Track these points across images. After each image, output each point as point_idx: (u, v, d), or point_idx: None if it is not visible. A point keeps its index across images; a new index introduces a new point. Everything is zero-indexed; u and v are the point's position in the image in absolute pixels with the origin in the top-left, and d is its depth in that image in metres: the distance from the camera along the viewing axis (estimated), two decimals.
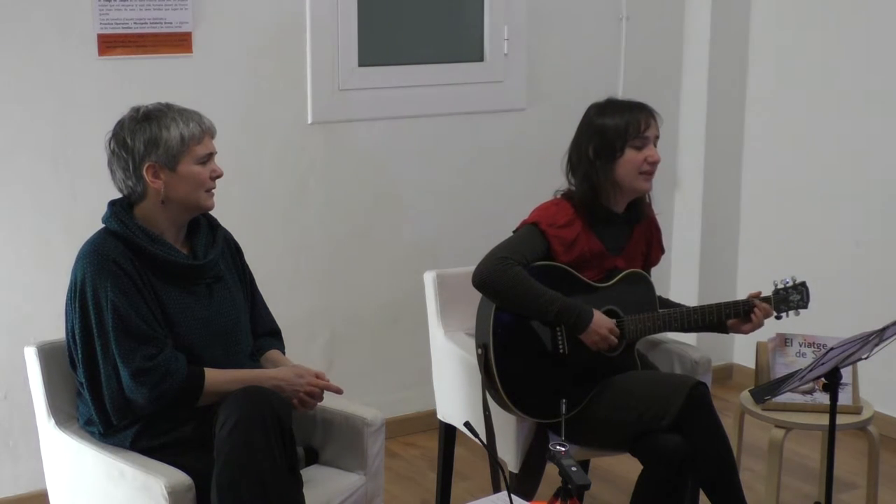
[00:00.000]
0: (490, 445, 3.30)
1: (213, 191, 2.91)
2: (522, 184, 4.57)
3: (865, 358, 3.12)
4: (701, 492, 3.31)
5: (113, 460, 2.78)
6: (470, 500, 2.96)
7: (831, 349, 2.93)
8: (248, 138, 4.08)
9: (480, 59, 4.57)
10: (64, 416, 2.95)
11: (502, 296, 3.22)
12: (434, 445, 3.97)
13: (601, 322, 3.22)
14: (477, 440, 2.71)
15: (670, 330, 3.40)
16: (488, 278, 3.21)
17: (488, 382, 3.26)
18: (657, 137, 3.34)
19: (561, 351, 3.26)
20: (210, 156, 2.89)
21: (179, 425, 2.82)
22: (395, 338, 4.52)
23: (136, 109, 2.88)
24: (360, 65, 4.27)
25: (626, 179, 3.29)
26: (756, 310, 3.38)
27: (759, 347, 3.61)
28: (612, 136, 3.27)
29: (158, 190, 2.83)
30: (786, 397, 3.44)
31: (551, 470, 2.58)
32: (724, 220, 5.10)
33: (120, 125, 2.87)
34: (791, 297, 3.42)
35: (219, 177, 2.91)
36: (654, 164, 3.31)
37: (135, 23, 3.81)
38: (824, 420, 3.25)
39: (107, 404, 2.78)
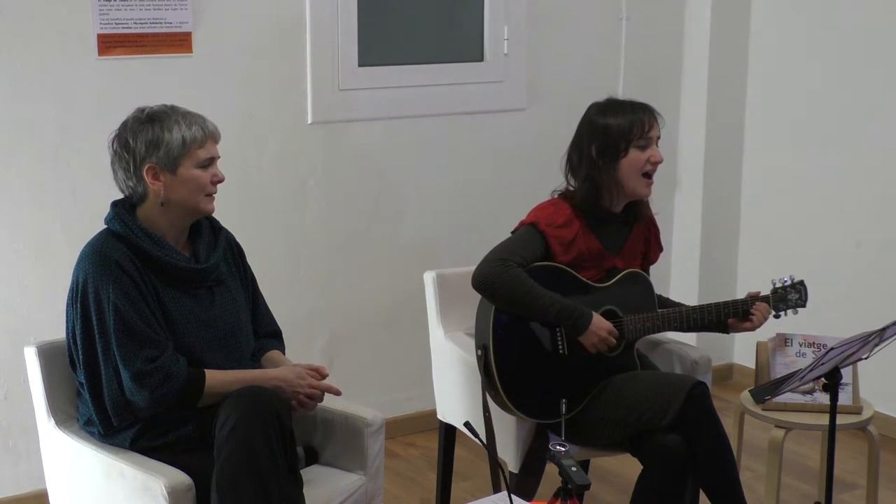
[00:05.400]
0: (490, 445, 3.30)
1: (214, 195, 2.90)
2: (522, 184, 4.57)
3: (865, 358, 3.12)
4: (701, 492, 3.31)
5: (113, 460, 2.78)
6: (470, 500, 2.97)
7: (831, 349, 2.93)
8: (248, 138, 4.08)
9: (480, 59, 4.57)
10: (64, 416, 2.95)
11: (502, 298, 3.22)
12: (434, 445, 3.97)
13: (600, 324, 3.22)
14: (477, 440, 2.71)
15: (669, 330, 3.40)
16: (488, 280, 3.21)
17: (488, 383, 3.27)
18: (658, 138, 3.35)
19: (560, 351, 3.26)
20: (212, 160, 2.88)
21: (180, 425, 2.82)
22: (395, 338, 4.52)
23: (141, 110, 2.88)
24: (360, 65, 4.26)
25: (628, 180, 3.30)
26: (755, 309, 3.39)
27: (759, 347, 3.61)
28: (616, 135, 3.27)
29: (158, 192, 2.83)
30: (786, 397, 3.44)
31: (551, 470, 2.58)
32: (724, 220, 5.10)
33: (124, 125, 2.87)
34: (789, 296, 3.43)
35: (220, 181, 2.91)
36: (657, 164, 3.32)
37: (135, 23, 3.81)
38: (824, 420, 3.25)
39: (107, 406, 2.78)
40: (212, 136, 2.89)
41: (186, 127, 2.83)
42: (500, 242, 3.30)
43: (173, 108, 2.88)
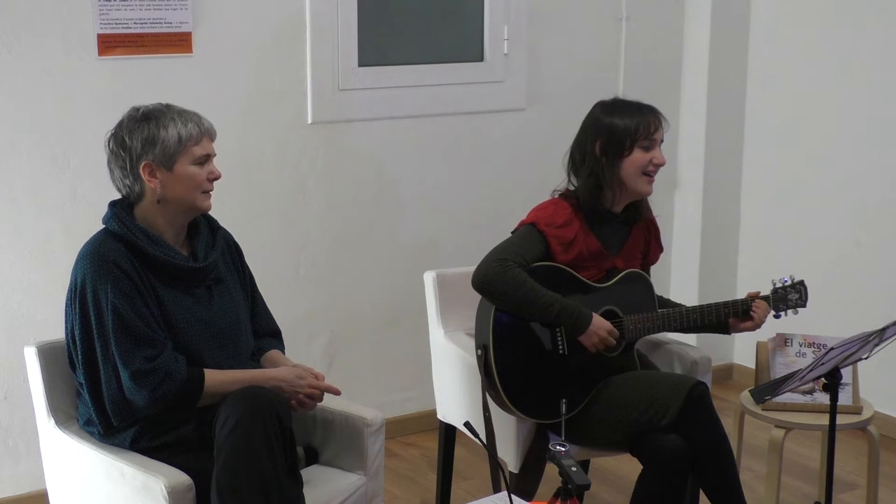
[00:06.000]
0: (490, 445, 3.30)
1: (210, 192, 2.90)
2: (522, 184, 4.57)
3: (865, 358, 3.12)
4: (701, 492, 3.31)
5: (113, 460, 2.78)
6: (470, 500, 2.97)
7: (831, 349, 2.93)
8: (248, 138, 4.08)
9: (480, 59, 4.57)
10: (64, 416, 2.95)
11: (502, 298, 3.21)
12: (434, 445, 3.97)
13: (600, 324, 3.22)
14: (477, 440, 2.72)
15: (669, 330, 3.40)
16: (487, 280, 3.21)
17: (488, 383, 3.26)
18: (662, 141, 3.35)
19: (560, 351, 3.26)
20: (208, 157, 2.89)
21: (179, 425, 2.82)
22: (395, 338, 4.52)
23: (136, 109, 2.88)
24: (360, 65, 4.26)
25: (629, 179, 3.30)
26: (756, 307, 3.39)
27: (759, 347, 3.61)
28: (622, 134, 3.28)
29: (155, 189, 2.83)
30: (786, 397, 3.44)
31: (551, 470, 2.58)
32: (724, 220, 5.10)
33: (119, 125, 2.88)
34: (790, 296, 3.43)
35: (216, 179, 2.91)
36: (659, 166, 3.32)
37: (135, 23, 3.81)
38: (824, 420, 3.25)
39: (106, 406, 2.78)
40: (207, 133, 2.89)
41: (182, 124, 2.84)
42: (500, 242, 3.30)
43: (168, 107, 2.88)
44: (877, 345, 3.05)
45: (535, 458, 3.31)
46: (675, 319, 3.38)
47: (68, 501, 2.99)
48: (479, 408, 3.32)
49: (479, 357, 3.29)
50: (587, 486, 2.36)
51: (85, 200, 3.76)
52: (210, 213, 2.98)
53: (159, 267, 2.83)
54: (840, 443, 3.37)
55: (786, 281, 3.44)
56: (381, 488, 3.07)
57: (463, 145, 4.56)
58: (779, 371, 3.55)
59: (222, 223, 3.07)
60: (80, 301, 2.79)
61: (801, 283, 3.45)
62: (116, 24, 3.77)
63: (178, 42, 3.90)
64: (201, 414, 2.82)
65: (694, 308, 3.41)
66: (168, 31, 3.86)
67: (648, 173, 3.32)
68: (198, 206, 2.89)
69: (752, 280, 4.84)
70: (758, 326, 3.43)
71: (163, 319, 2.82)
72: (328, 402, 3.03)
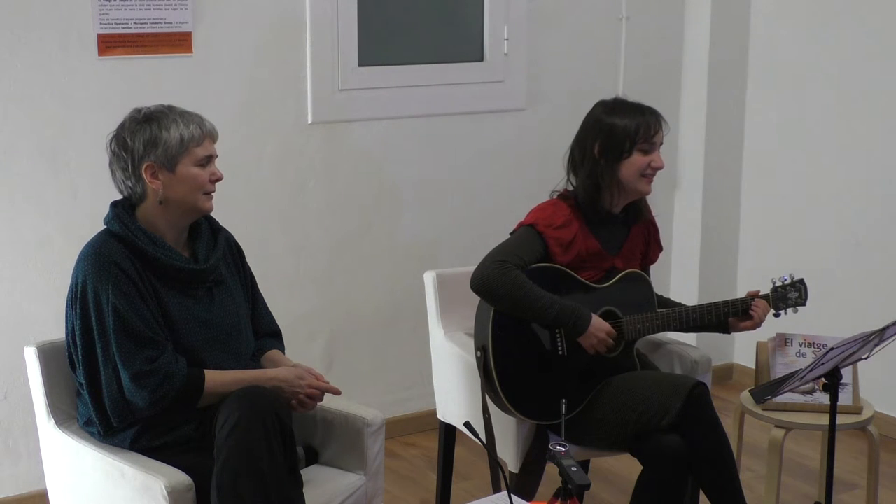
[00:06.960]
0: (490, 445, 3.30)
1: (212, 194, 2.90)
2: (522, 184, 4.57)
3: (865, 358, 3.12)
4: (701, 492, 3.31)
5: (113, 460, 2.78)
6: (470, 500, 2.97)
7: (831, 349, 2.93)
8: (248, 138, 4.08)
9: (480, 59, 4.57)
10: (64, 416, 2.95)
11: (500, 300, 3.21)
12: (434, 445, 3.97)
13: (599, 326, 3.22)
14: (477, 440, 2.71)
15: (669, 329, 3.40)
16: (486, 282, 3.21)
17: (488, 385, 3.26)
18: (661, 144, 3.34)
19: (560, 352, 3.26)
20: (210, 159, 2.89)
21: (180, 425, 2.82)
22: (395, 338, 4.52)
23: (138, 110, 2.88)
24: (360, 65, 4.26)
25: (629, 180, 3.29)
26: (755, 306, 3.39)
27: (759, 347, 3.61)
28: (622, 136, 3.27)
29: (157, 190, 2.83)
30: (786, 397, 3.44)
31: (551, 470, 2.58)
32: (724, 220, 5.10)
33: (121, 126, 2.88)
34: (789, 295, 3.43)
35: (218, 180, 2.91)
36: (657, 169, 3.31)
37: (135, 23, 3.81)
38: (824, 420, 3.25)
39: (107, 406, 2.78)
40: (209, 135, 2.89)
41: (184, 125, 2.84)
42: (498, 244, 3.30)
43: (170, 108, 2.88)
44: (877, 345, 3.05)
45: (535, 458, 3.30)
46: (675, 319, 3.38)
47: (68, 501, 2.99)
48: (479, 408, 3.32)
49: (478, 359, 3.29)
50: (587, 486, 2.36)
51: (85, 200, 3.76)
52: (211, 213, 2.98)
53: (160, 268, 2.83)
54: (840, 443, 3.37)
55: (785, 279, 3.44)
56: (381, 488, 3.07)
57: (463, 145, 4.56)
58: (779, 371, 3.55)
59: (222, 223, 3.07)
60: (81, 301, 2.79)
61: (801, 281, 3.45)
62: (116, 24, 3.77)
63: (178, 42, 3.90)
64: (201, 414, 2.82)
65: (694, 308, 3.41)
66: (168, 31, 3.86)
67: (647, 175, 3.31)
68: (199, 207, 2.89)
69: (752, 280, 4.84)
70: (758, 325, 3.42)
71: (163, 320, 2.82)
72: (328, 402, 3.03)
